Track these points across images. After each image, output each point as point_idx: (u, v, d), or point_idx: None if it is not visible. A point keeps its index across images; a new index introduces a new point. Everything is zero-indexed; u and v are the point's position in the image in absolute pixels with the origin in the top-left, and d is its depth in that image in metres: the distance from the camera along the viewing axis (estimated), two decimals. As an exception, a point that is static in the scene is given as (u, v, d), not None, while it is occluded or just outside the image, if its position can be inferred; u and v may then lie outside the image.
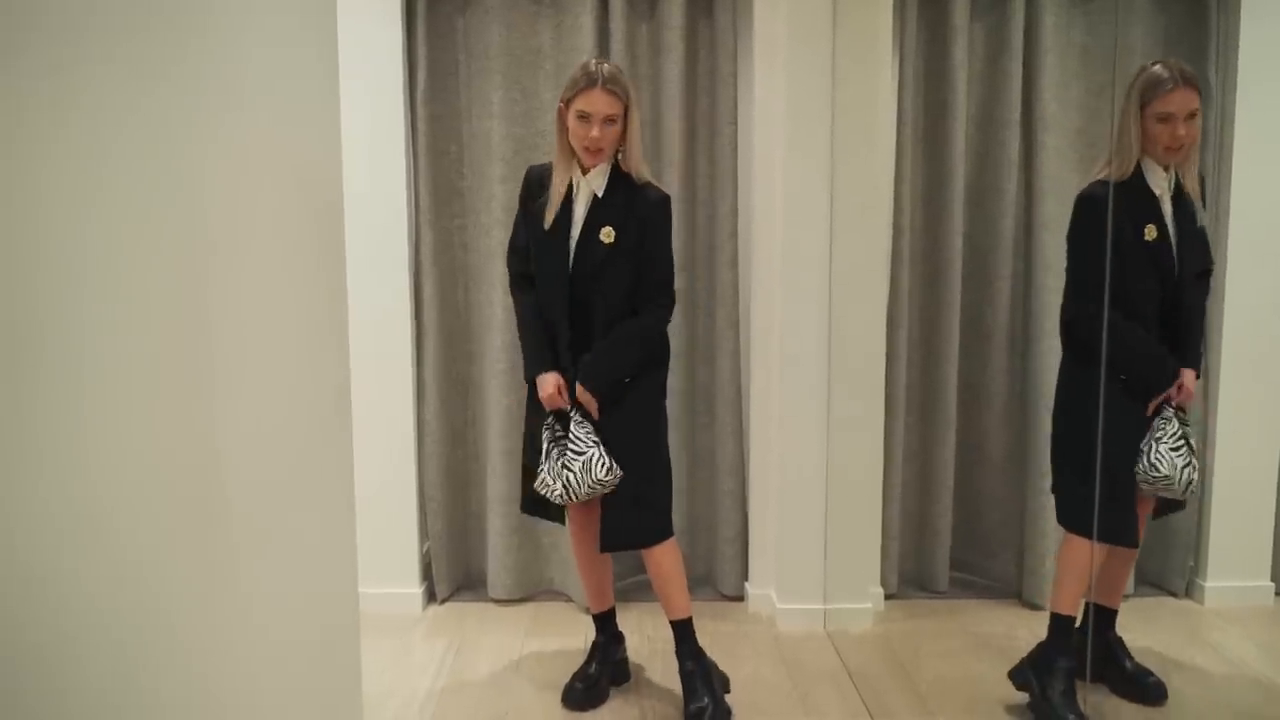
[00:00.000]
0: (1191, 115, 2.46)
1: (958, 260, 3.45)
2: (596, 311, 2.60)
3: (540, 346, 2.63)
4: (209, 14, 1.34)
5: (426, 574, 3.52)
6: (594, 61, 2.52)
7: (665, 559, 2.63)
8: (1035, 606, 3.41)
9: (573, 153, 2.54)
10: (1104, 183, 2.58)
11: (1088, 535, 2.60)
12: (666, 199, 2.63)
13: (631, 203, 2.56)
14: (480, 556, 3.58)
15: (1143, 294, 2.57)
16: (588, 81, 2.45)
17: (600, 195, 2.56)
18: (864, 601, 3.31)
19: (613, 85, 2.45)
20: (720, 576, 3.54)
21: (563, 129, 2.53)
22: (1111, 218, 2.50)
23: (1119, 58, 3.42)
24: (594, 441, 2.54)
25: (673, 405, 3.47)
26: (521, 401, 3.31)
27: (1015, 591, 3.52)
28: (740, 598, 3.53)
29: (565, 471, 2.53)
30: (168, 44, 1.20)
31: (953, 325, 3.47)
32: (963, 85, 3.39)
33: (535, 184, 2.64)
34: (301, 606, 1.79)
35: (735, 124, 3.39)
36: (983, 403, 3.59)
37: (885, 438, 3.42)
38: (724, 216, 3.40)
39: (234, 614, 1.41)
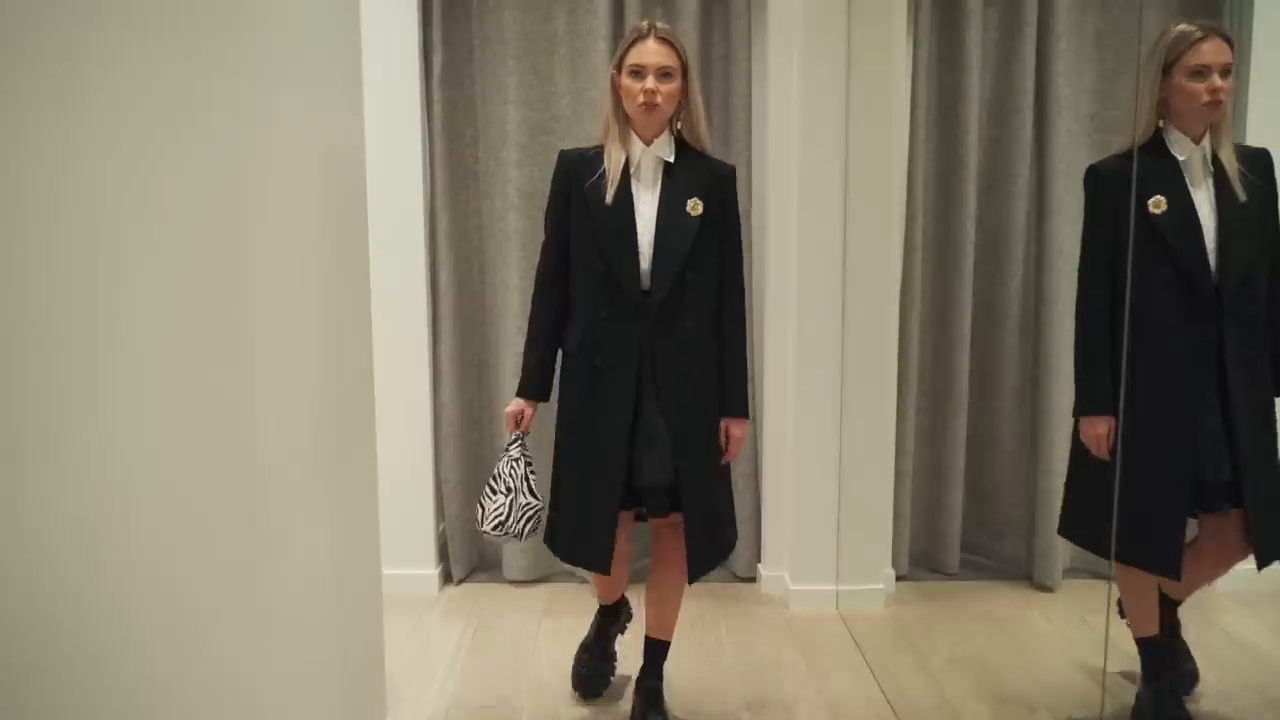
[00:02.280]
0: (1226, 70, 2.19)
1: (970, 245, 3.47)
2: (689, 294, 2.28)
3: (546, 368, 2.39)
4: (238, 9, 1.35)
5: (443, 555, 3.55)
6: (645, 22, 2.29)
7: (683, 578, 2.40)
8: (1044, 588, 3.45)
9: (628, 122, 2.27)
10: (1116, 156, 2.40)
11: (1125, 562, 2.39)
12: (734, 172, 2.40)
13: (705, 174, 2.31)
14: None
15: (1151, 278, 2.28)
16: (639, 33, 2.23)
17: (671, 163, 2.29)
18: (876, 583, 3.34)
19: (667, 36, 2.23)
20: (734, 558, 3.57)
21: (615, 100, 2.28)
22: (1126, 191, 2.30)
23: (1138, 40, 3.43)
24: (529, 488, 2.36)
25: (686, 389, 3.51)
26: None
27: (1025, 573, 3.56)
28: (753, 579, 3.56)
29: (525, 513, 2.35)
30: (200, 32, 1.22)
31: (965, 310, 3.49)
32: (976, 70, 3.40)
33: (577, 165, 2.30)
34: (327, 586, 1.82)
35: (749, 109, 3.40)
36: (994, 387, 3.61)
37: (897, 422, 3.45)
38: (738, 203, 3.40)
39: (263, 593, 1.44)
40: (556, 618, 3.24)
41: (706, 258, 2.30)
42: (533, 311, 2.40)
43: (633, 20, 3.32)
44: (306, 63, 1.64)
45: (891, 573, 3.46)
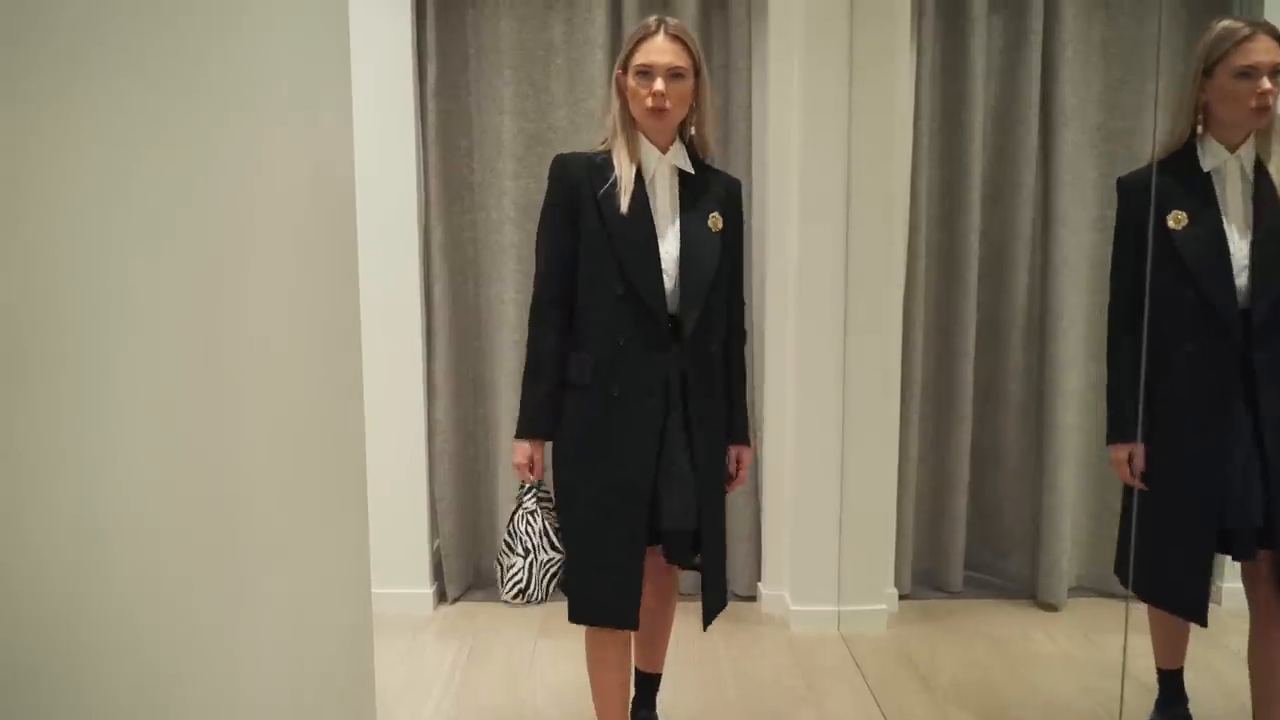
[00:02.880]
0: (1275, 70, 1.97)
1: (974, 256, 3.40)
2: (713, 316, 2.07)
3: (554, 402, 2.07)
4: (226, 19, 1.30)
5: (437, 574, 3.49)
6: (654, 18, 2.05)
7: (673, 612, 2.34)
8: (1050, 607, 3.38)
9: (634, 126, 2.03)
10: (1148, 166, 2.22)
11: (1154, 602, 2.31)
12: (740, 186, 2.23)
13: (720, 188, 2.12)
14: (491, 556, 3.55)
15: (1171, 300, 2.12)
16: (647, 30, 1.99)
17: (690, 174, 2.08)
18: (878, 603, 3.28)
19: (679, 32, 1.99)
20: (733, 576, 3.51)
21: (621, 103, 2.03)
22: (1148, 202, 2.16)
23: (1155, 49, 3.36)
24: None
25: (685, 403, 3.45)
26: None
27: (1030, 592, 3.49)
28: (753, 598, 3.50)
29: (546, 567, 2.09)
30: (185, 49, 1.17)
31: (969, 322, 3.43)
32: (981, 79, 3.33)
33: (584, 171, 2.02)
34: (316, 609, 1.77)
35: (750, 119, 3.34)
36: (998, 401, 3.55)
37: (900, 434, 3.38)
38: (738, 213, 3.35)
39: (249, 616, 1.39)
40: (553, 638, 3.18)
41: (723, 277, 2.10)
42: (533, 338, 2.08)
43: (631, 29, 3.26)
44: (292, 73, 1.58)
45: (894, 592, 3.40)
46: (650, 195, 2.02)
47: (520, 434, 2.09)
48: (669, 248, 2.02)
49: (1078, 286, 3.44)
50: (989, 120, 3.41)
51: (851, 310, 3.22)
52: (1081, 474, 3.54)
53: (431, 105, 3.28)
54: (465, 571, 3.54)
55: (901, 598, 3.44)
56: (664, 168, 2.05)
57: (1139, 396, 2.26)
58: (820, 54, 3.15)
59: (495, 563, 2.18)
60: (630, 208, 1.97)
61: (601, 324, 2.00)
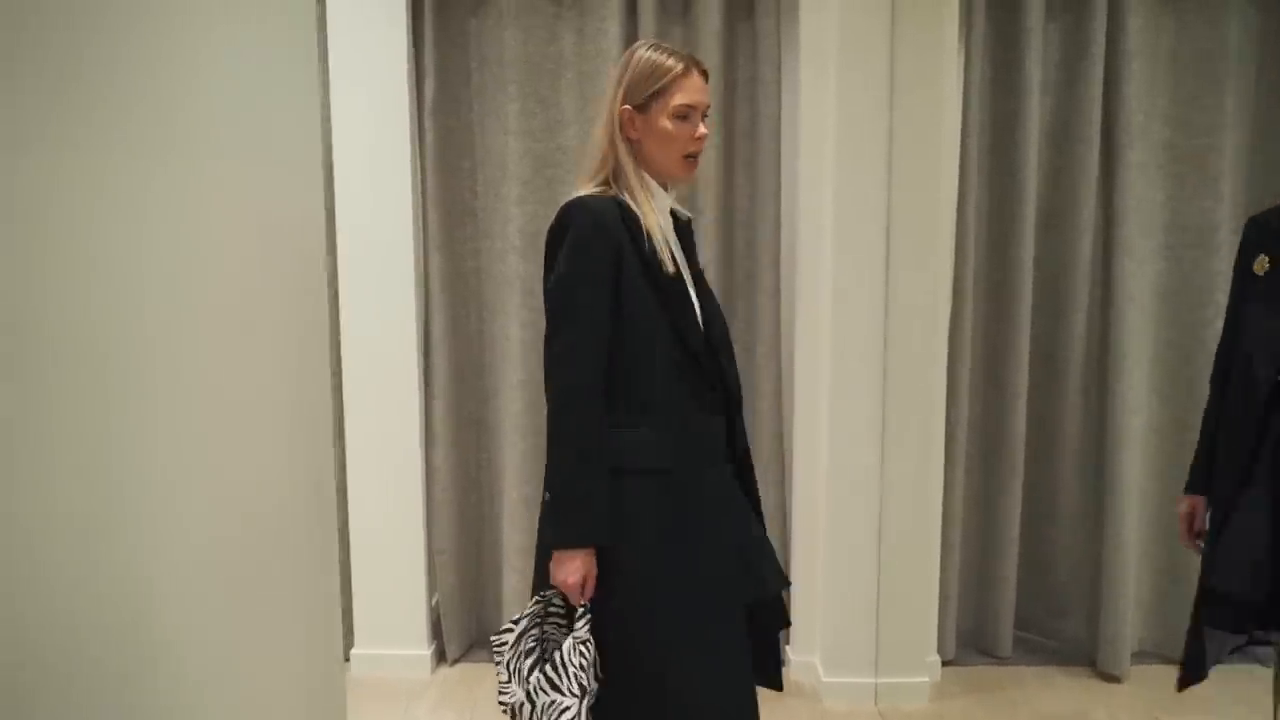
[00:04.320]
0: None
1: (1028, 290, 3.10)
2: (730, 386, 1.81)
3: (613, 495, 1.67)
4: (164, 52, 1.03)
5: (436, 633, 3.21)
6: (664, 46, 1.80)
7: None
8: (1111, 678, 3.06)
9: (644, 170, 1.77)
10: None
11: None
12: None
13: (690, 234, 1.91)
14: (495, 613, 3.27)
15: (1245, 350, 1.99)
16: (684, 65, 1.75)
17: (683, 221, 1.88)
18: (920, 674, 2.96)
19: (708, 71, 1.81)
20: (759, 638, 3.21)
21: (628, 144, 1.76)
22: (1253, 240, 2.04)
23: (1229, 60, 3.03)
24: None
25: (707, 449, 3.15)
26: (540, 447, 3.01)
27: (1088, 658, 3.17)
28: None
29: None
30: (116, 86, 0.90)
31: (1021, 362, 3.12)
32: (1036, 94, 3.03)
33: (615, 222, 1.70)
34: (282, 701, 1.50)
35: (779, 138, 3.04)
36: (1053, 447, 3.23)
37: (945, 487, 3.06)
38: (765, 242, 3.05)
39: (212, 701, 1.18)
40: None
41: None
42: (584, 421, 1.66)
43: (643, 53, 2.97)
44: (239, 103, 1.30)
45: (937, 659, 3.08)
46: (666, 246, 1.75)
47: (573, 540, 1.63)
48: (695, 302, 1.77)
49: (1142, 321, 3.12)
50: (1045, 139, 3.10)
51: (892, 349, 2.90)
52: (1146, 527, 3.22)
53: (430, 124, 3.00)
54: (467, 630, 3.25)
55: (945, 664, 3.13)
56: (666, 217, 1.80)
57: (1210, 446, 2.11)
58: (857, 66, 2.84)
59: (526, 696, 1.68)
60: (673, 263, 1.72)
61: (670, 394, 1.71)
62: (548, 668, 1.65)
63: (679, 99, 1.72)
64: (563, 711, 1.61)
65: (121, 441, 1.01)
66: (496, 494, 3.21)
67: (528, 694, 1.66)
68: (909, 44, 2.84)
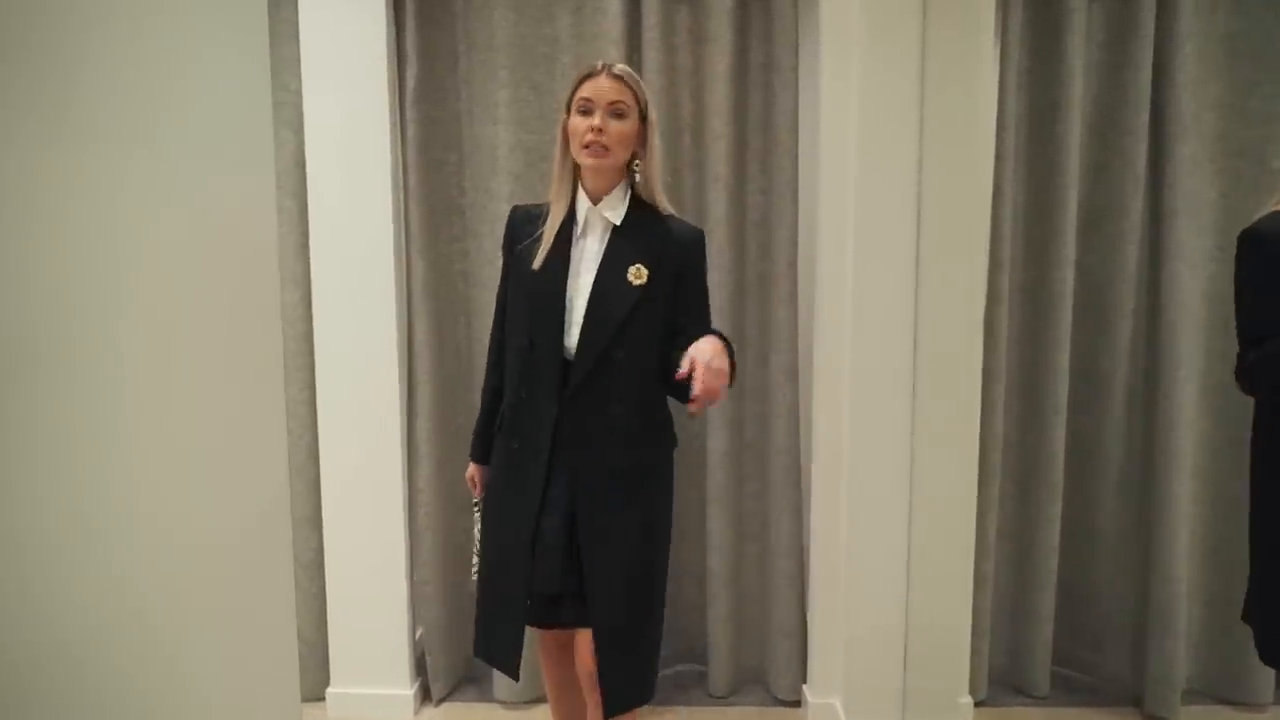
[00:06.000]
0: None
1: (1069, 296, 2.86)
2: (619, 375, 2.00)
3: (490, 435, 2.22)
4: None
5: (420, 669, 2.95)
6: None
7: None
8: (1159, 720, 2.80)
9: (575, 174, 2.06)
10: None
11: None
12: (703, 237, 2.14)
13: (660, 239, 2.05)
14: (484, 648, 3.01)
15: None
16: (592, 70, 2.03)
17: (619, 225, 2.04)
18: (951, 717, 2.70)
19: (624, 75, 2.01)
20: (772, 677, 2.95)
21: (564, 148, 2.06)
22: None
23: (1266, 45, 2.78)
24: None
25: (716, 470, 2.89)
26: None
27: (1133, 698, 2.91)
28: (797, 703, 2.93)
29: None
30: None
31: (1061, 375, 2.87)
32: (1079, 81, 2.78)
33: (521, 224, 2.12)
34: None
35: (796, 130, 2.78)
36: (1096, 468, 2.98)
37: (978, 513, 2.80)
38: (781, 243, 2.80)
39: None
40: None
41: (645, 335, 2.02)
42: (486, 375, 2.27)
43: (650, 21, 2.72)
44: (159, 88, 1.04)
45: (969, 700, 2.82)
46: (577, 246, 2.04)
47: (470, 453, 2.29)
48: (581, 302, 2.01)
49: (1193, 331, 2.86)
50: (1088, 132, 2.86)
51: (921, 362, 2.65)
52: (1196, 555, 2.95)
53: (412, 114, 2.73)
54: (453, 666, 2.99)
55: (977, 704, 2.87)
56: (595, 218, 2.05)
57: None
58: (884, 52, 2.59)
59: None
60: (546, 262, 2.02)
61: (511, 375, 2.11)
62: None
63: (580, 95, 2.00)
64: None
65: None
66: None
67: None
68: (941, 27, 2.59)
